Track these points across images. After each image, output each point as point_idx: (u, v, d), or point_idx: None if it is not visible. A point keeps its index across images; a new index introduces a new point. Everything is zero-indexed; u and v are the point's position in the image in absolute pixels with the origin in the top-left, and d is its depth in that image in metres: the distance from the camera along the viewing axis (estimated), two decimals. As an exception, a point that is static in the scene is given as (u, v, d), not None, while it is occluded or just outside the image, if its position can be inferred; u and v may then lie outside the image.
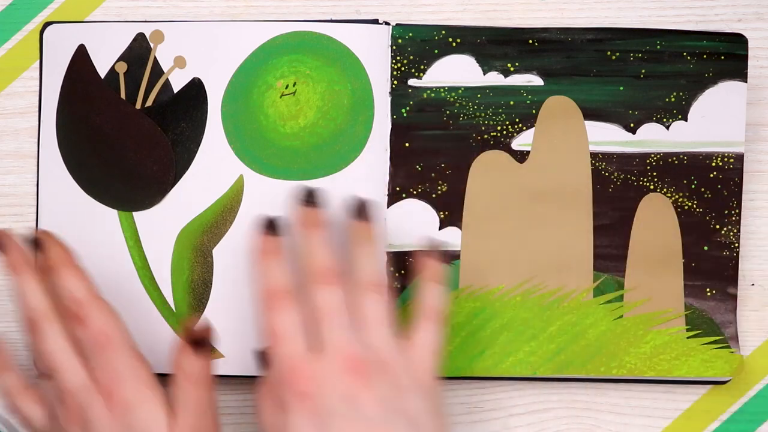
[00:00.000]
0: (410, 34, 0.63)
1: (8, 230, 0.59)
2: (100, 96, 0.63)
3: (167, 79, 0.63)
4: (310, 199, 0.59)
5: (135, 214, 0.63)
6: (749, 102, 0.64)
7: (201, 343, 0.56)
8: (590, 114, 0.63)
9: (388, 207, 0.63)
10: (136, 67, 0.63)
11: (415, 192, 0.63)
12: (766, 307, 0.65)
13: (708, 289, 0.63)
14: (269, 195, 0.63)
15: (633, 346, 0.63)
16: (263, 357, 0.56)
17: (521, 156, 0.63)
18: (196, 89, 0.63)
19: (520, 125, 0.63)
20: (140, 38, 0.63)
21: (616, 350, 0.63)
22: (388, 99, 0.63)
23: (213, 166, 0.63)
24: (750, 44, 0.63)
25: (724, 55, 0.63)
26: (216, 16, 0.64)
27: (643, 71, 0.63)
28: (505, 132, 0.63)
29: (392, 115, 0.63)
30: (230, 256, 0.63)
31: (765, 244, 0.65)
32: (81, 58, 0.63)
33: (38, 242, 0.58)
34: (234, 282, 0.63)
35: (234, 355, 0.63)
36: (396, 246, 0.63)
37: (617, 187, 0.63)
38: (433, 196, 0.63)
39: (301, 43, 0.63)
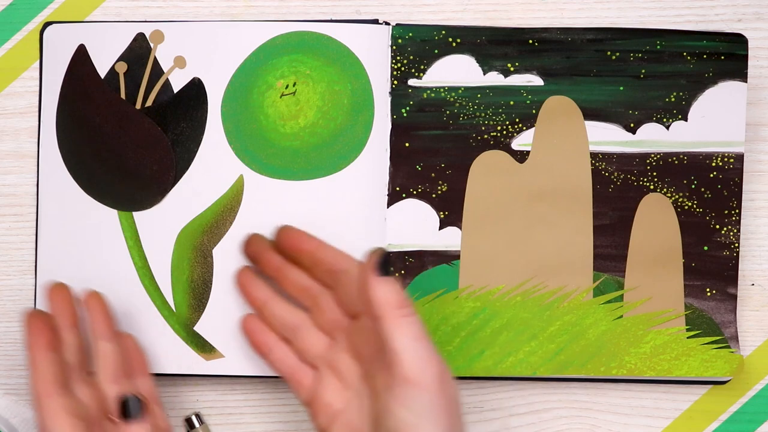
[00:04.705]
0: (410, 34, 0.63)
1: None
2: (100, 96, 0.63)
3: (167, 79, 0.63)
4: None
5: (135, 214, 0.63)
6: (749, 102, 0.64)
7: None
8: (590, 114, 0.63)
9: (388, 207, 0.63)
10: (136, 67, 0.63)
11: (415, 192, 0.63)
12: (766, 307, 0.65)
13: (708, 289, 0.63)
14: (269, 195, 0.63)
15: (633, 346, 0.63)
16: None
17: (521, 156, 0.63)
18: (196, 89, 0.63)
19: (520, 125, 0.63)
20: (140, 38, 0.63)
21: (616, 350, 0.63)
22: (388, 99, 0.63)
23: (213, 166, 0.63)
24: (750, 44, 0.63)
25: (724, 55, 0.63)
26: (216, 16, 0.64)
27: (643, 71, 0.63)
28: (505, 132, 0.63)
29: (392, 115, 0.63)
30: (230, 256, 0.63)
31: (765, 244, 0.65)
32: (81, 58, 0.63)
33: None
34: (234, 282, 0.63)
35: (234, 355, 0.63)
36: (396, 246, 0.63)
37: (617, 187, 0.63)
38: (433, 196, 0.63)
39: (301, 43, 0.63)
